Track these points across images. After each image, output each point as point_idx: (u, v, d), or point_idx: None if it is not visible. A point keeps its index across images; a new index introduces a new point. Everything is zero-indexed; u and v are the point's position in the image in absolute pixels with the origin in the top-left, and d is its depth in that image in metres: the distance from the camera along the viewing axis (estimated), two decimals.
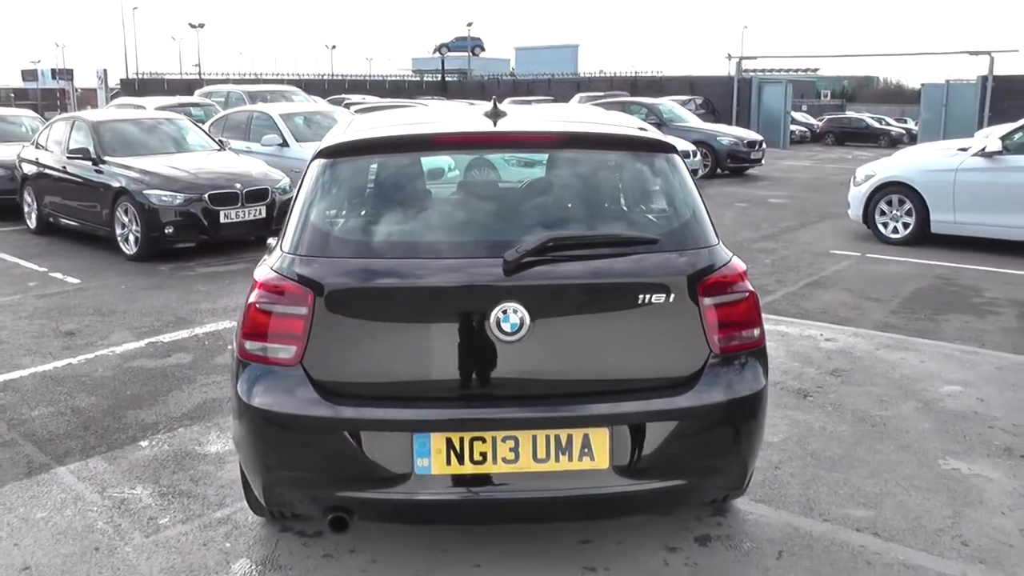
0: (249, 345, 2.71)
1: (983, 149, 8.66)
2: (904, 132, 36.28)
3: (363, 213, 2.91)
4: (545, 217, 2.86)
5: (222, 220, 8.64)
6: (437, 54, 70.93)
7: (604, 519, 3.16)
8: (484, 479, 2.59)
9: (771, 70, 36.48)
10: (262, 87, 20.50)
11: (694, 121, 20.37)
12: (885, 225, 9.48)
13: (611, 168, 3.05)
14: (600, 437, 2.61)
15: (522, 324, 2.55)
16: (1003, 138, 8.61)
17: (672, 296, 2.66)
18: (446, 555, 3.15)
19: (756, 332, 2.84)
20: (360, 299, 2.63)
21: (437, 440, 2.57)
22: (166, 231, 8.39)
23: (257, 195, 8.95)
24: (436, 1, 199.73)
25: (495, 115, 3.09)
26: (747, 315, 2.80)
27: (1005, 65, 30.79)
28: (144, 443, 4.22)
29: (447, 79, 50.44)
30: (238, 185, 8.83)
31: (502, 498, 2.61)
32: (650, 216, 2.92)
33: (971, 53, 28.00)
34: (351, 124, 3.28)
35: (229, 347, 5.74)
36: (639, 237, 2.76)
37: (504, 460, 2.58)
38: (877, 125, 36.58)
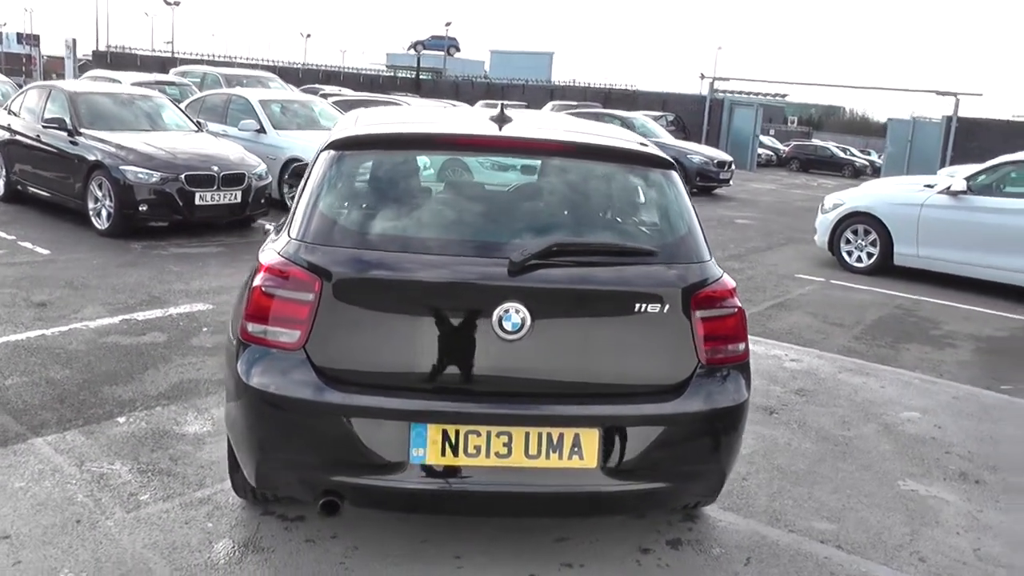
0: (252, 327, 2.75)
1: (948, 188, 8.97)
2: (868, 164, 37.17)
3: (372, 206, 2.97)
4: (549, 222, 2.95)
5: (197, 202, 8.58)
6: (412, 51, 70.73)
7: (588, 517, 3.26)
8: (477, 472, 2.67)
9: (740, 92, 37.02)
10: (239, 71, 20.31)
11: (666, 137, 20.66)
12: (849, 253, 9.75)
13: (613, 180, 3.15)
14: (590, 437, 2.70)
15: (523, 324, 2.64)
16: (968, 179, 8.92)
17: (666, 307, 2.77)
18: (427, 545, 3.22)
19: (742, 346, 2.96)
20: (365, 289, 2.69)
21: (433, 431, 2.64)
22: (140, 208, 8.32)
23: (234, 179, 8.91)
24: None
25: (501, 120, 3.18)
26: (734, 330, 2.93)
27: (969, 108, 31.77)
28: (121, 419, 4.22)
29: (421, 77, 50.33)
30: (215, 168, 8.79)
31: (493, 491, 2.69)
32: (648, 229, 3.02)
33: (938, 93, 28.84)
34: (360, 118, 3.34)
35: (204, 329, 5.76)
36: (639, 248, 2.86)
37: (497, 454, 2.67)
38: (842, 155, 37.42)
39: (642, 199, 3.07)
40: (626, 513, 3.30)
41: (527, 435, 2.67)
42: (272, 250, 2.88)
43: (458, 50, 68.88)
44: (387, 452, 2.65)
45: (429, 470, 2.65)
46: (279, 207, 10.43)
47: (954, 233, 8.77)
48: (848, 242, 9.75)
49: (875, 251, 9.48)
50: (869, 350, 6.55)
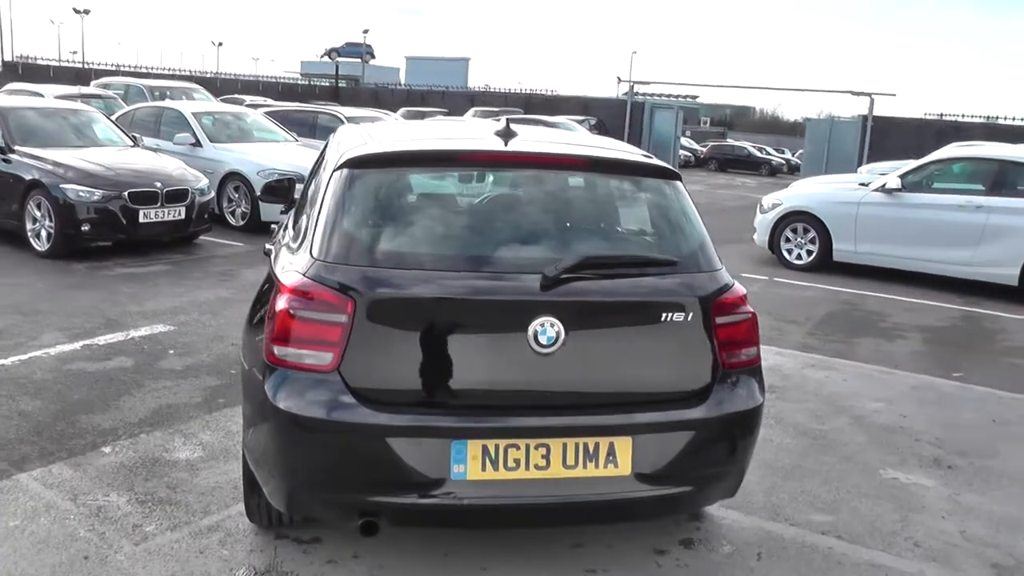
0: (280, 350, 2.71)
1: (884, 186, 9.39)
2: (784, 162, 38.38)
3: (398, 224, 2.96)
4: (573, 235, 3.01)
5: (141, 219, 8.34)
6: (327, 58, 69.98)
7: (622, 523, 3.32)
8: (517, 485, 2.70)
9: (655, 95, 37.83)
10: (163, 83, 19.74)
11: None
12: (790, 251, 10.09)
13: (627, 192, 3.22)
14: (624, 445, 2.76)
15: (557, 337, 2.68)
16: (902, 177, 9.36)
17: (690, 315, 2.86)
18: (451, 559, 3.23)
19: (755, 351, 3.07)
20: (400, 308, 2.69)
21: (473, 447, 2.66)
22: (83, 228, 8.02)
23: (177, 195, 8.68)
24: (323, 4, 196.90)
25: (507, 134, 3.22)
26: (749, 334, 3.03)
27: (884, 107, 33.30)
28: (107, 449, 4.08)
29: (340, 85, 49.78)
30: (158, 183, 8.55)
31: (533, 503, 2.72)
32: (665, 240, 3.10)
33: (853, 93, 30.05)
34: (371, 135, 3.32)
35: (171, 352, 5.59)
36: (662, 259, 2.94)
37: (536, 467, 2.70)
38: (759, 154, 38.54)
39: (655, 210, 3.15)
40: (656, 517, 3.37)
41: (564, 446, 2.72)
42: (294, 271, 2.84)
43: (373, 57, 68.40)
44: (427, 470, 2.65)
45: (470, 486, 2.67)
46: (219, 223, 10.23)
47: (890, 229, 9.18)
48: (788, 240, 10.10)
49: (815, 248, 9.85)
50: (825, 345, 6.81)
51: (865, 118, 28.91)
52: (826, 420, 5.04)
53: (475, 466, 2.66)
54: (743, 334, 3.01)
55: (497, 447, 2.67)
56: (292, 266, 2.90)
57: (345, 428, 2.63)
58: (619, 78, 63.07)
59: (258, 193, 10.07)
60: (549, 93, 40.46)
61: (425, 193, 3.18)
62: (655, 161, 3.23)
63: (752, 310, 3.07)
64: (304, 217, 3.18)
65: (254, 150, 11.06)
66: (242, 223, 10.50)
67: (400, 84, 55.18)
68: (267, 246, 3.96)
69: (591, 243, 3.01)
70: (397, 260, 2.77)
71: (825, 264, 9.83)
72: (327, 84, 50.69)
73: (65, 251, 8.10)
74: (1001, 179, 8.91)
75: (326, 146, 4.07)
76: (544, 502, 2.73)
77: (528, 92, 40.72)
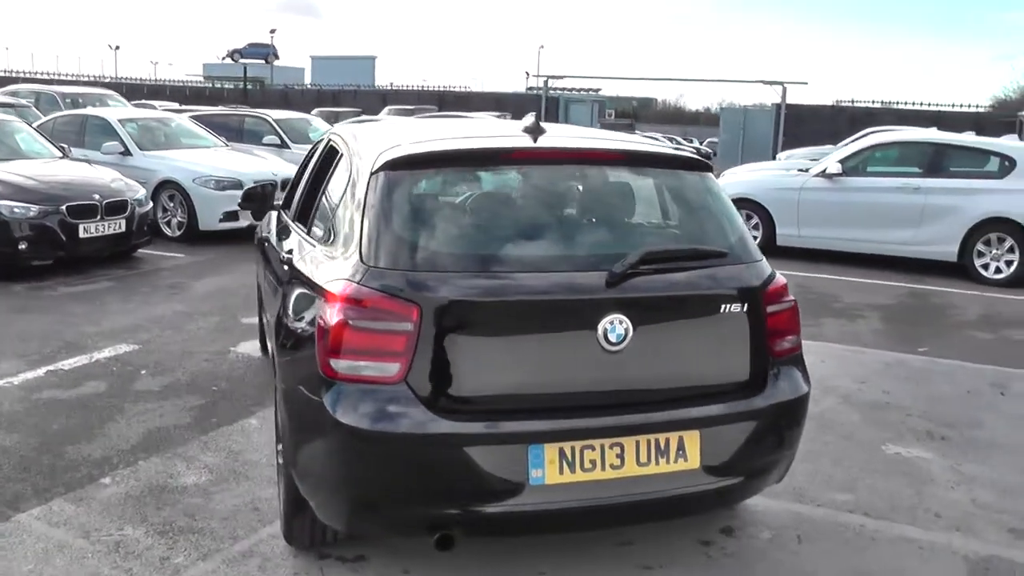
0: (340, 364, 2.60)
1: (824, 171, 9.70)
2: (696, 151, 39.29)
3: (450, 225, 2.88)
4: (625, 230, 3.00)
5: (81, 235, 7.92)
6: (229, 59, 68.11)
7: (690, 516, 3.31)
8: (594, 486, 2.66)
9: (562, 89, 38.09)
10: (75, 89, 18.79)
11: None
12: None
13: (666, 184, 3.21)
14: (692, 439, 2.76)
15: (626, 334, 2.66)
16: (841, 162, 9.69)
17: (745, 305, 2.88)
18: (506, 567, 3.17)
19: (798, 339, 3.12)
20: (466, 313, 2.61)
21: (550, 451, 2.61)
22: (20, 247, 7.54)
23: (116, 207, 8.28)
24: (217, 6, 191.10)
25: (535, 131, 3.16)
26: (794, 322, 3.08)
27: (796, 95, 34.53)
28: (106, 480, 3.85)
29: (247, 87, 48.50)
30: (96, 196, 8.14)
31: (610, 503, 2.69)
32: (711, 231, 3.10)
33: (765, 83, 31.00)
34: (398, 135, 3.21)
35: (143, 372, 5.32)
36: (715, 251, 2.95)
37: (611, 466, 2.67)
38: (670, 143, 39.34)
39: (695, 202, 3.15)
40: (720, 508, 3.37)
41: (637, 444, 2.69)
42: (342, 279, 2.71)
43: (277, 57, 66.88)
44: (506, 477, 2.59)
45: (549, 490, 2.62)
46: (155, 234, 9.78)
47: (832, 213, 9.50)
48: None
49: (758, 234, 10.09)
50: None
51: (779, 106, 29.88)
52: (818, 401, 5.13)
53: (553, 470, 2.61)
54: (789, 322, 3.05)
55: (573, 449, 2.63)
56: (337, 273, 2.77)
57: (420, 440, 2.54)
58: (527, 73, 63.47)
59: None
60: (462, 90, 40.35)
61: (471, 193, 3.10)
62: (688, 153, 3.24)
63: (794, 298, 3.11)
64: (337, 221, 3.05)
65: (187, 157, 10.65)
66: (179, 233, 10.09)
67: (306, 84, 54.15)
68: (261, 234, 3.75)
69: (645, 237, 3.00)
70: (459, 263, 2.68)
71: (769, 249, 10.06)
72: (232, 86, 49.32)
73: (1, 272, 7.62)
74: (937, 161, 9.33)
75: (327, 148, 3.93)
76: (621, 501, 2.70)
77: (441, 89, 40.52)
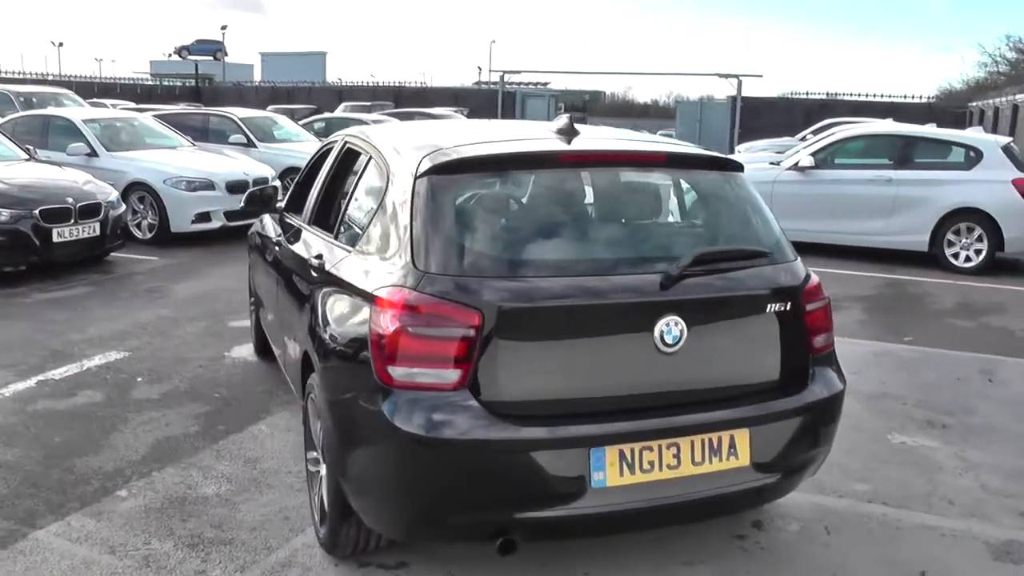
0: (398, 371, 2.57)
1: (796, 164, 9.87)
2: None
3: (501, 230, 2.87)
4: (674, 232, 3.03)
5: (55, 239, 7.70)
6: (177, 56, 66.77)
7: (738, 512, 3.35)
8: (652, 487, 2.68)
9: (512, 83, 38.04)
10: (29, 88, 18.22)
11: None
12: None
13: (701, 185, 3.24)
14: (743, 437, 2.80)
15: (681, 335, 2.68)
16: (814, 155, 9.86)
17: (788, 304, 2.93)
18: (548, 568, 3.17)
19: (832, 335, 3.18)
20: (527, 318, 2.61)
21: (611, 453, 2.62)
22: None
23: (90, 210, 8.08)
24: (161, 3, 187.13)
25: (570, 132, 3.17)
26: (829, 320, 3.13)
27: (752, 88, 35.12)
28: (122, 493, 3.76)
29: (195, 84, 47.58)
30: (70, 199, 7.92)
31: (668, 503, 2.71)
32: (750, 231, 3.13)
33: (721, 76, 31.37)
34: (435, 137, 3.19)
35: (139, 379, 5.19)
36: (759, 251, 2.99)
37: (668, 466, 2.69)
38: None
39: (734, 203, 3.18)
40: (764, 503, 3.40)
41: (692, 443, 2.72)
42: (396, 285, 2.67)
43: (225, 54, 65.72)
44: (569, 481, 2.60)
45: (610, 492, 2.63)
46: (127, 237, 9.56)
47: (806, 205, 9.66)
48: None
49: None
50: None
51: (734, 99, 30.29)
52: None
53: (613, 472, 2.62)
54: (825, 320, 3.11)
55: (633, 451, 2.64)
56: (386, 279, 2.74)
57: (485, 447, 2.54)
58: (480, 67, 63.35)
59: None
60: (419, 85, 40.08)
61: (518, 196, 3.09)
62: (723, 155, 3.27)
63: (828, 296, 3.16)
64: (374, 226, 3.01)
65: (155, 157, 10.42)
66: (150, 235, 9.88)
67: (256, 81, 53.34)
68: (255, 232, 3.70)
69: (692, 238, 3.03)
70: (514, 268, 2.67)
71: None
72: (182, 84, 48.34)
73: None
74: (907, 153, 9.57)
75: (344, 151, 3.88)
76: (677, 501, 2.72)
77: (397, 85, 40.20)
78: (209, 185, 9.97)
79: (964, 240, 9.23)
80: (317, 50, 75.74)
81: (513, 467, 2.57)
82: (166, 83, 51.05)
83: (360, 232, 3.16)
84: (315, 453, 3.32)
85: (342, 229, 3.42)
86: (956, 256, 9.27)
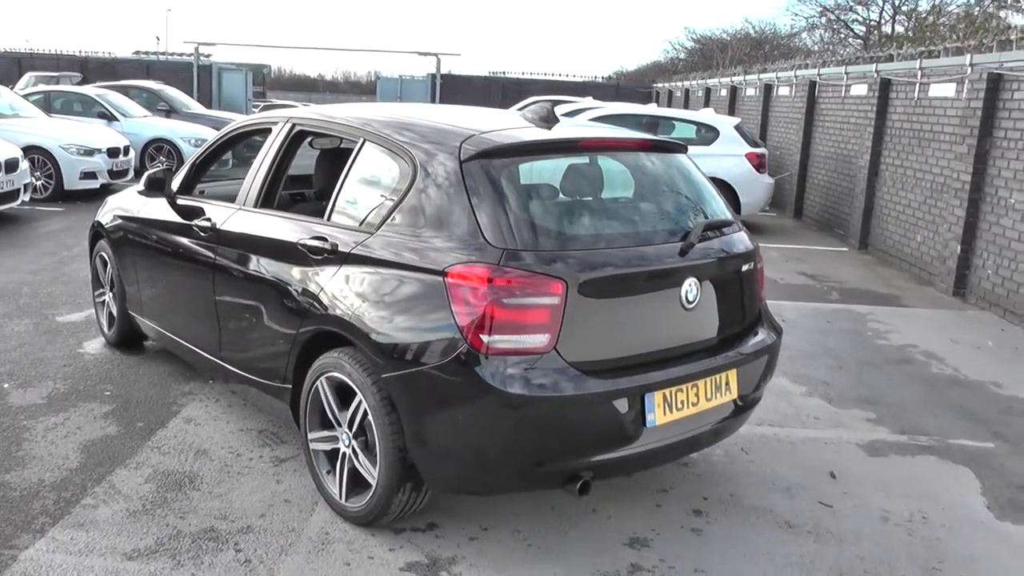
0: (493, 339, 2.84)
1: None
2: None
3: (557, 208, 3.28)
4: (680, 205, 3.55)
5: None
6: None
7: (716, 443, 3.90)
8: (683, 423, 3.22)
9: (182, 53, 35.71)
10: None
11: (199, 108, 19.94)
12: None
13: (677, 166, 3.72)
14: (733, 376, 3.43)
15: (697, 294, 3.25)
16: None
17: (752, 263, 3.61)
18: (557, 511, 3.58)
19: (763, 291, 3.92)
20: (599, 285, 3.02)
21: (658, 396, 3.11)
22: None
23: None
24: None
25: (550, 120, 3.56)
26: (763, 278, 3.87)
27: (450, 65, 36.29)
28: (89, 501, 3.51)
29: None
30: None
31: (692, 435, 3.28)
32: (718, 204, 3.70)
33: (420, 53, 32.25)
34: (465, 121, 3.50)
35: (5, 385, 4.65)
36: (729, 220, 3.64)
37: (692, 404, 3.25)
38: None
39: (697, 180, 3.74)
40: (736, 431, 3.97)
41: (706, 383, 3.30)
42: (477, 262, 2.90)
43: None
44: (634, 423, 3.06)
45: (659, 430, 3.12)
46: None
47: None
48: None
49: None
50: None
51: (434, 76, 31.54)
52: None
53: (660, 413, 3.12)
54: (762, 276, 3.83)
55: (671, 394, 3.16)
56: (456, 256, 2.95)
57: (579, 400, 2.91)
58: (158, 38, 58.67)
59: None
60: (107, 56, 36.29)
61: (554, 179, 3.45)
62: (679, 142, 3.91)
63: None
64: (407, 207, 3.20)
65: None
66: None
67: None
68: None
69: (690, 211, 3.55)
70: (582, 242, 3.08)
71: None
72: None
73: None
74: (651, 132, 10.88)
75: (293, 135, 3.91)
76: (696, 433, 3.30)
77: (85, 56, 36.03)
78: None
79: None
80: None
81: (596, 416, 2.98)
82: None
83: (382, 214, 3.28)
84: (331, 431, 3.41)
85: (342, 212, 3.51)
86: None
